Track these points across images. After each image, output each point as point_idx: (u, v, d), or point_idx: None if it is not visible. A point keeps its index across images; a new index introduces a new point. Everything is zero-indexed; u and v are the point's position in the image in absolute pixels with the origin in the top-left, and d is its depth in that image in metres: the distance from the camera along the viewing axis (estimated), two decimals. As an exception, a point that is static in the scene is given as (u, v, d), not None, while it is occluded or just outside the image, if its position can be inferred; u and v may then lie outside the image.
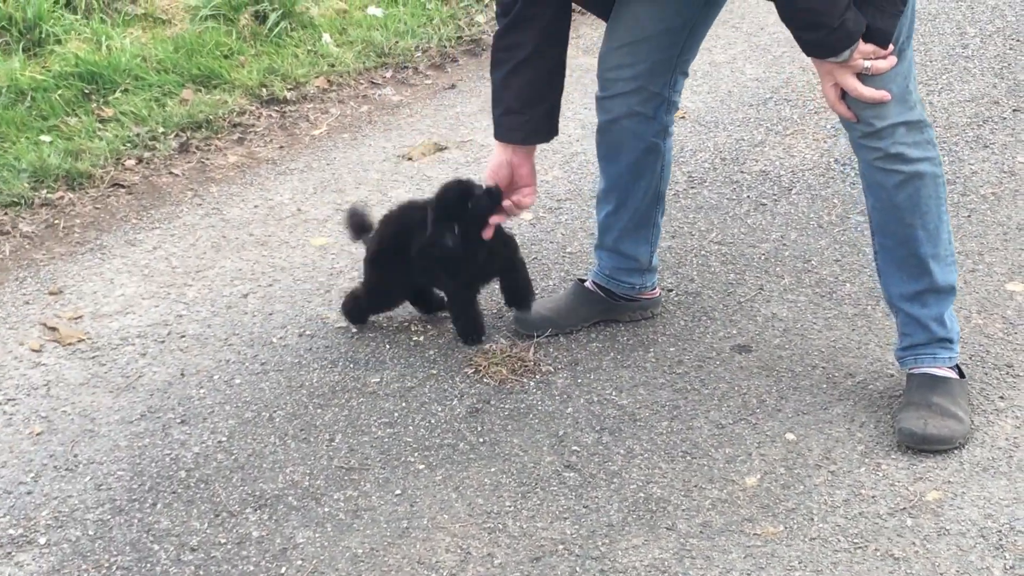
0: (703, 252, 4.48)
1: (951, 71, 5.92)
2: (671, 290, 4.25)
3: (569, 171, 5.07)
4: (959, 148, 5.16)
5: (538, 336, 4.00)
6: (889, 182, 3.46)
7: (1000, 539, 3.13)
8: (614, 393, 3.75)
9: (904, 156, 3.43)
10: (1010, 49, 6.12)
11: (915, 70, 3.44)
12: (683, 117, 5.52)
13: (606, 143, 3.91)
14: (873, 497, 3.30)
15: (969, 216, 4.65)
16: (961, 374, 3.65)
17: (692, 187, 4.93)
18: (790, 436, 3.55)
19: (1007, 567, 3.04)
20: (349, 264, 4.45)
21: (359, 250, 4.53)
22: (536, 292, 4.17)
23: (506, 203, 3.76)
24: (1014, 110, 5.50)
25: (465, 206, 3.77)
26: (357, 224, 4.16)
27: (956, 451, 3.45)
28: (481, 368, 3.86)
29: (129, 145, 5.27)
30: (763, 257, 4.44)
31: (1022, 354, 3.87)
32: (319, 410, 3.71)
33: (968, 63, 6.01)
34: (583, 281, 4.11)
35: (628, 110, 3.78)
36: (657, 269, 4.12)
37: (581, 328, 4.04)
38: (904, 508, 3.26)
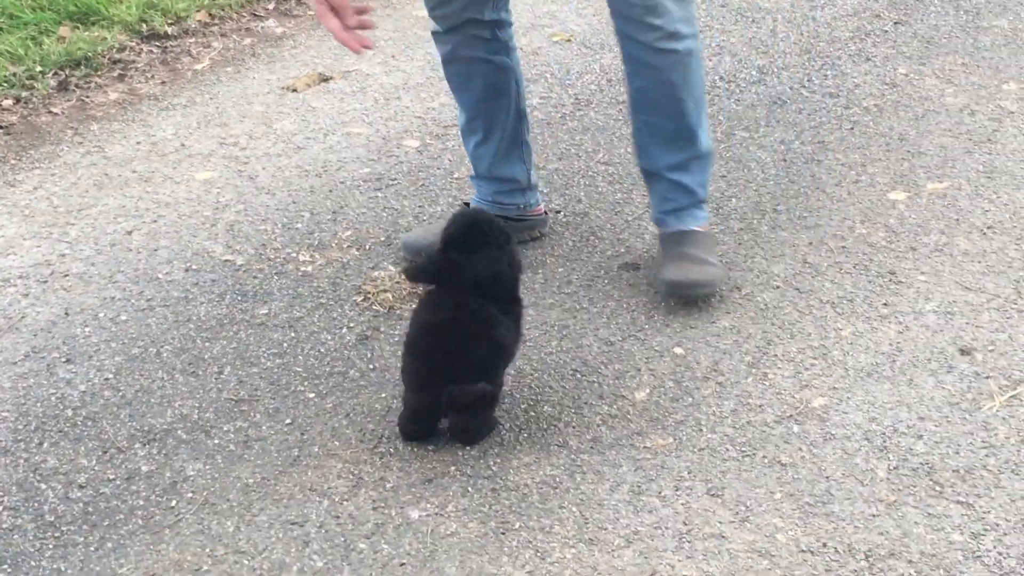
0: (590, 173, 4.48)
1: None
2: (559, 211, 4.26)
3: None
4: (842, 62, 5.20)
5: None
6: (666, 62, 3.60)
7: (884, 441, 3.18)
8: (503, 315, 3.75)
9: (679, 34, 3.57)
10: (891, -37, 6.17)
11: None
12: (568, 40, 5.51)
13: (454, 74, 3.93)
14: (760, 406, 3.33)
15: (852, 128, 4.69)
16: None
17: (578, 109, 4.93)
18: (678, 350, 3.58)
19: (891, 468, 3.09)
20: (234, 198, 4.40)
21: (244, 183, 4.49)
22: (424, 218, 4.17)
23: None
24: (895, 23, 5.55)
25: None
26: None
27: (841, 359, 3.50)
28: (370, 296, 3.85)
29: (6, 85, 5.16)
30: (650, 176, 4.45)
31: (904, 261, 3.92)
32: (207, 343, 3.67)
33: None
34: (468, 206, 4.09)
35: (464, 39, 3.80)
36: (537, 187, 4.12)
37: None
38: (791, 415, 3.29)
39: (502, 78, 3.90)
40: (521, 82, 3.98)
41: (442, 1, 3.74)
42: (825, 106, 4.87)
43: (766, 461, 3.14)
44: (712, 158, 3.87)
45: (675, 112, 3.69)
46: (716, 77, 5.15)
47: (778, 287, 3.83)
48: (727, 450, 3.19)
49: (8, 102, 5.07)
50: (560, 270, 3.96)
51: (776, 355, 3.54)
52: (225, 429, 3.33)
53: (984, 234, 4.04)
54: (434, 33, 3.87)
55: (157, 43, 5.63)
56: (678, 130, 3.73)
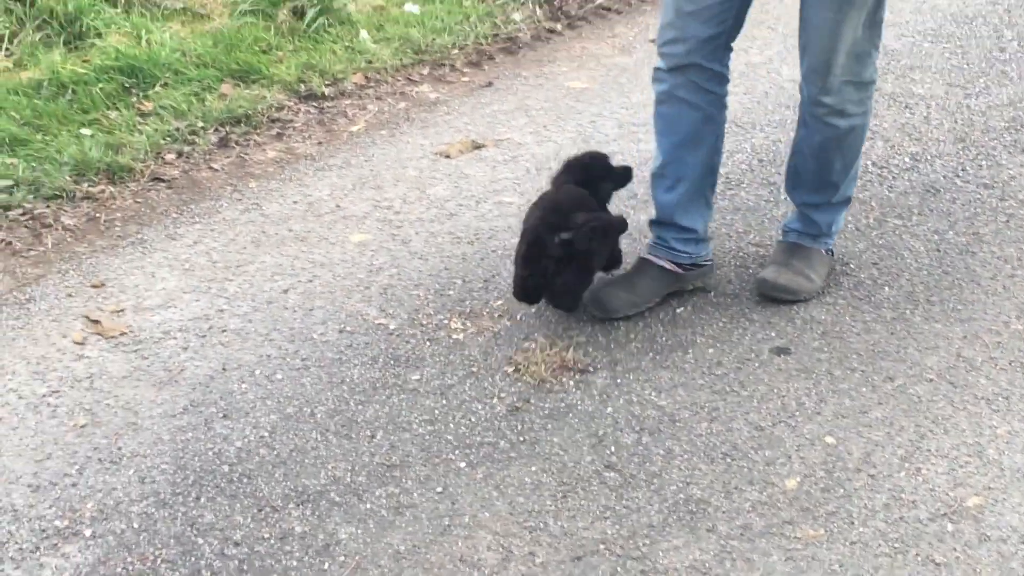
0: (741, 254, 4.49)
1: (988, 74, 5.91)
2: (710, 292, 4.26)
3: (607, 171, 5.07)
4: (997, 152, 5.15)
5: (618, 317, 4.11)
6: (828, 132, 4.04)
7: (1041, 546, 3.14)
8: (653, 394, 3.77)
9: (846, 112, 3.99)
10: (1048, 53, 6.11)
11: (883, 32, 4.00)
12: (720, 118, 5.52)
13: (662, 115, 4.13)
14: (913, 502, 3.30)
15: (1008, 221, 4.64)
16: (832, 253, 4.33)
17: (729, 188, 4.93)
18: (829, 439, 3.56)
19: (1048, 574, 3.05)
20: (388, 261, 4.47)
21: (397, 247, 4.55)
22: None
23: None
24: (1052, 115, 5.49)
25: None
26: None
27: (997, 458, 3.45)
28: (520, 367, 3.88)
29: (169, 139, 5.30)
30: (801, 259, 4.44)
31: (1062, 360, 3.87)
32: (360, 406, 3.73)
33: (1005, 67, 6.00)
34: (646, 259, 4.21)
35: (684, 81, 4.01)
36: (711, 240, 4.30)
37: (653, 306, 4.16)
38: (944, 513, 3.26)
39: (706, 129, 4.09)
40: (721, 140, 4.19)
41: (675, 39, 3.97)
42: (980, 197, 4.83)
43: (920, 559, 3.11)
44: (847, 206, 4.30)
45: (823, 166, 4.12)
46: (868, 162, 5.13)
47: (931, 380, 3.80)
48: (879, 545, 3.16)
49: (171, 156, 5.21)
50: (710, 351, 3.96)
51: (930, 450, 3.50)
52: (377, 494, 3.37)
53: None
54: (656, 69, 4.10)
55: (314, 103, 5.74)
56: (821, 180, 4.16)
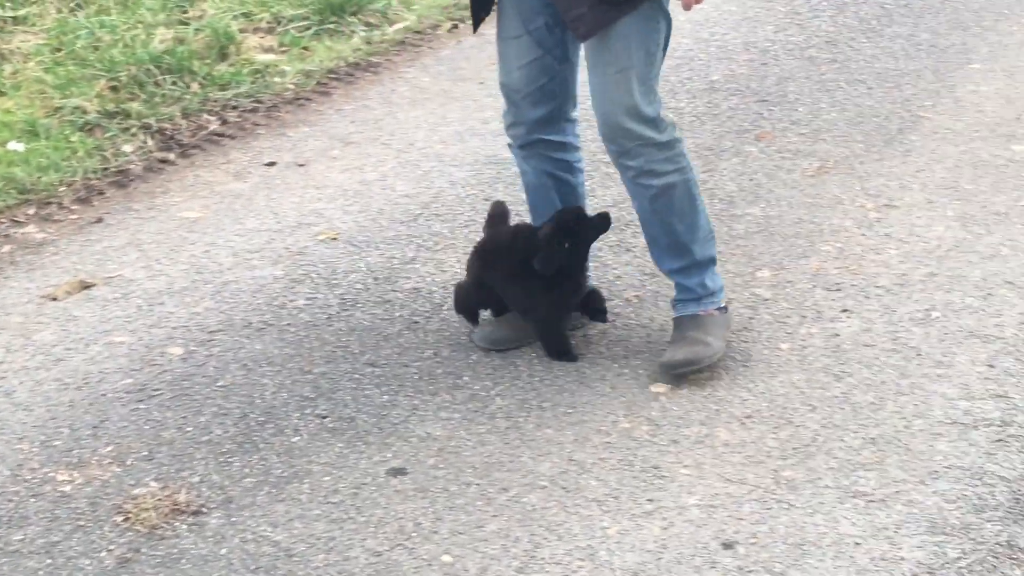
0: (356, 375, 4.47)
1: (594, 177, 6.08)
2: (325, 417, 4.23)
3: (220, 301, 5.00)
4: (603, 254, 5.29)
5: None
6: (647, 194, 4.26)
7: (651, 644, 3.20)
8: (269, 529, 3.70)
9: (655, 172, 4.20)
10: (648, 153, 6.34)
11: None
12: (335, 238, 5.52)
13: (524, 183, 4.68)
14: (528, 613, 3.33)
15: (614, 321, 4.77)
16: (724, 309, 4.47)
17: (344, 310, 4.92)
18: (446, 558, 3.56)
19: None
20: (-10, 415, 4.28)
21: (0, 400, 4.37)
22: (188, 430, 4.11)
23: None
24: (653, 213, 5.68)
25: (580, 225, 4.42)
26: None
27: (608, 559, 3.52)
28: (131, 515, 3.75)
29: None
30: (416, 376, 4.46)
31: (667, 455, 3.98)
32: (-43, 577, 3.53)
33: (609, 168, 6.18)
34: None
35: (533, 153, 4.51)
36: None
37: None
38: (559, 621, 3.30)
39: (564, 190, 4.58)
40: (582, 199, 4.71)
41: (514, 123, 4.47)
42: (588, 298, 4.95)
43: (535, 672, 3.12)
44: (713, 263, 4.44)
45: (666, 230, 4.34)
46: (481, 272, 5.20)
47: (545, 487, 3.85)
48: (496, 662, 3.16)
49: None
50: (326, 479, 3.92)
51: (544, 558, 3.54)
52: (-26, 669, 3.19)
53: (743, 424, 4.13)
54: (509, 145, 4.62)
55: (-90, 255, 5.48)
56: (671, 243, 4.37)
